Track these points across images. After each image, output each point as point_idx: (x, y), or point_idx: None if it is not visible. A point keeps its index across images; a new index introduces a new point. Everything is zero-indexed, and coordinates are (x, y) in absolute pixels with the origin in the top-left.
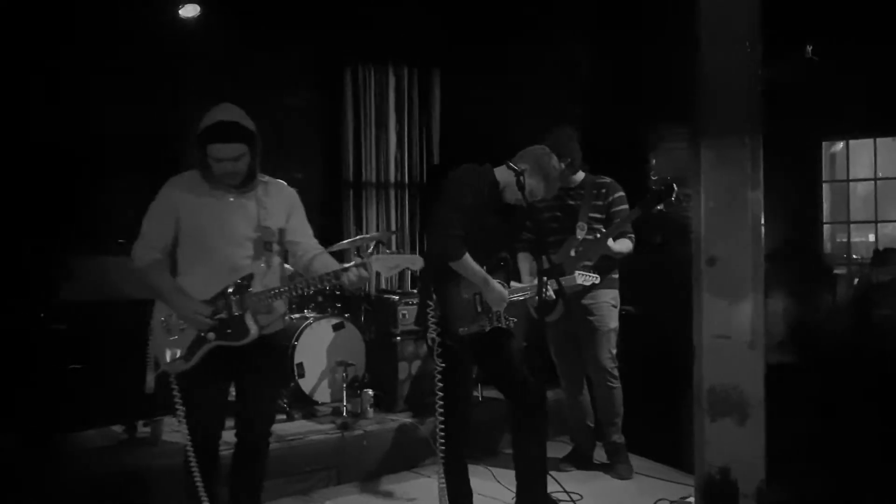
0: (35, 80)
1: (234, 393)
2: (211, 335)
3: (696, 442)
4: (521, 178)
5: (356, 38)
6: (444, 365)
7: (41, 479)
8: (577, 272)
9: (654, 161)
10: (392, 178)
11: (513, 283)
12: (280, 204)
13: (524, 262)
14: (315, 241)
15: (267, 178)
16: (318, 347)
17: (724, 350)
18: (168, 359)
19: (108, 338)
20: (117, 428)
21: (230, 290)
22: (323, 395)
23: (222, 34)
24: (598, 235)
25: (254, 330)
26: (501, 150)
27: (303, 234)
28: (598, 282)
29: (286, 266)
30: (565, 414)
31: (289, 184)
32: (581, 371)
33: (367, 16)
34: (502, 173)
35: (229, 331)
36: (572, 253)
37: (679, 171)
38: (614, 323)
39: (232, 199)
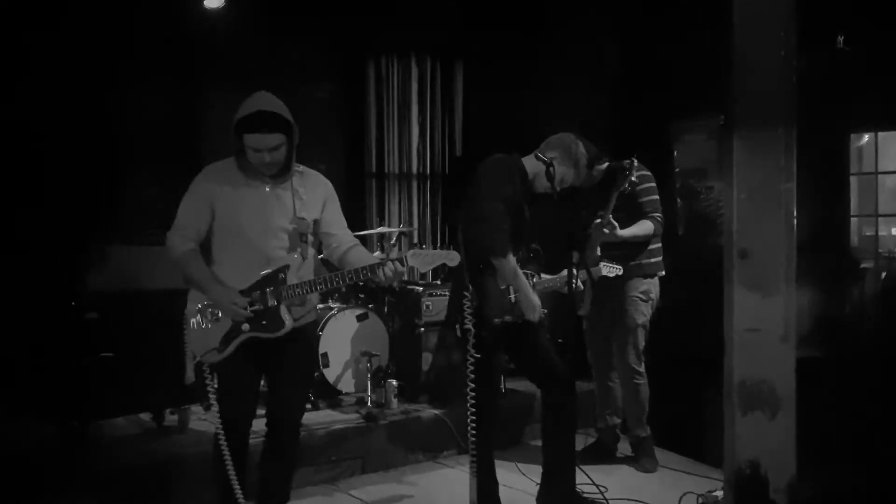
0: (67, 71)
1: (264, 383)
2: (246, 326)
3: (727, 436)
4: (551, 168)
5: (379, 28)
6: (479, 356)
7: (73, 467)
8: (601, 264)
9: (676, 153)
10: (414, 169)
11: (543, 275)
12: (316, 195)
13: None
14: (349, 233)
15: (302, 167)
16: (342, 338)
17: (756, 343)
18: (203, 349)
19: (139, 327)
20: (145, 416)
21: (265, 281)
22: (347, 386)
23: (245, 25)
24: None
25: (288, 322)
26: (525, 141)
27: (338, 226)
28: (620, 273)
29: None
30: (592, 404)
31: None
32: (609, 364)
33: (389, 6)
34: (531, 163)
35: (264, 322)
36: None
37: (703, 163)
38: (642, 318)
39: (268, 190)
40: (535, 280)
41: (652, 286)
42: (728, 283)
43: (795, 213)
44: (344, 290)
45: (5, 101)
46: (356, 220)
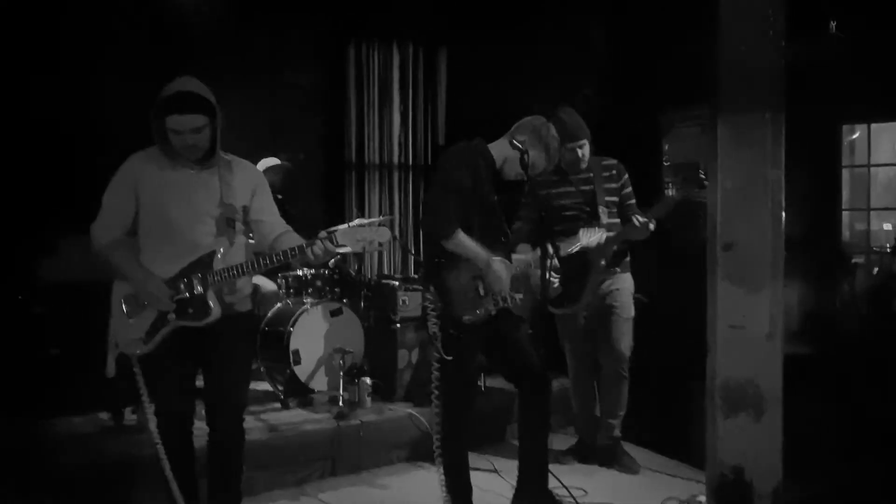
0: (28, 59)
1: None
2: (171, 315)
3: (709, 439)
4: (526, 155)
5: (359, 14)
6: (449, 358)
7: (25, 467)
8: (581, 231)
9: (667, 146)
10: (396, 160)
11: (514, 256)
12: (244, 182)
13: (523, 251)
14: (282, 220)
15: (232, 156)
16: (314, 334)
17: (740, 341)
18: (127, 340)
19: (90, 321)
20: (104, 415)
21: (192, 267)
22: (319, 384)
23: (222, 12)
24: (635, 219)
25: (216, 310)
26: (509, 129)
27: (268, 213)
28: (603, 240)
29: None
30: (570, 403)
31: (290, 164)
32: (593, 359)
33: None
34: (499, 148)
35: (191, 310)
36: (592, 239)
37: (692, 157)
38: (633, 311)
39: (193, 175)
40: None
41: (633, 281)
42: (711, 278)
43: (784, 204)
44: (319, 283)
45: None
46: (335, 212)
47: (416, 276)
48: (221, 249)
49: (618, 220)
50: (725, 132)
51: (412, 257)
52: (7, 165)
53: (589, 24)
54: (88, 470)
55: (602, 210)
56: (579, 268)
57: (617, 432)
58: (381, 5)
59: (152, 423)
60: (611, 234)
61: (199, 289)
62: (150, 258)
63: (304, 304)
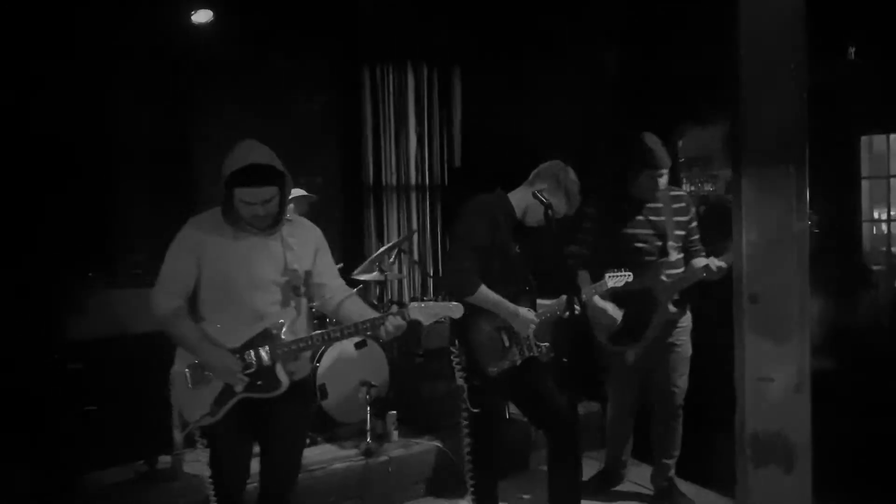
0: (42, 98)
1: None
2: (240, 387)
3: (739, 489)
4: (550, 210)
5: (373, 36)
6: (476, 411)
7: None
8: (607, 275)
9: (680, 143)
10: (413, 181)
11: (539, 302)
12: (306, 244)
13: (584, 280)
14: (341, 282)
15: (291, 215)
16: (340, 368)
17: (768, 394)
18: (194, 413)
19: (124, 376)
20: (139, 462)
21: (259, 339)
22: (346, 417)
23: (236, 38)
24: (710, 261)
25: (285, 381)
26: (525, 149)
27: (330, 276)
28: (630, 280)
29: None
30: (597, 426)
31: (308, 189)
32: (637, 399)
33: (382, 14)
34: (520, 198)
35: (260, 383)
36: (664, 277)
37: (704, 151)
38: (691, 349)
39: (257, 242)
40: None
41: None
42: (738, 329)
43: (808, 255)
44: None
45: None
46: (353, 233)
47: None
48: (288, 320)
49: (681, 257)
50: (749, 185)
51: (431, 279)
52: (39, 223)
53: (602, 41)
54: None
55: (672, 245)
56: (644, 305)
57: (672, 472)
58: (395, 28)
59: (195, 471)
60: (680, 272)
61: (268, 361)
62: (212, 327)
63: None
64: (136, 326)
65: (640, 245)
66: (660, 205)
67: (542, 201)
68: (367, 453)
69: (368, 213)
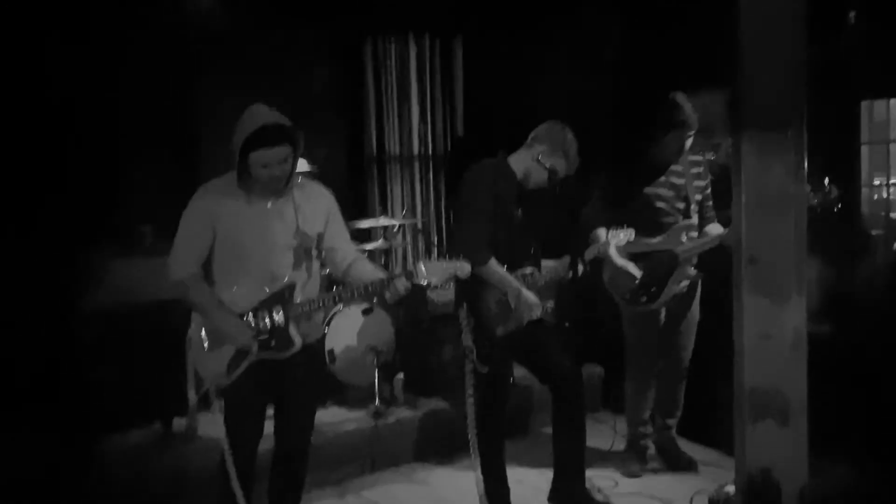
0: (52, 69)
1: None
2: (254, 348)
3: (737, 443)
4: (555, 175)
5: (375, 8)
6: (485, 371)
7: (84, 479)
8: (609, 233)
9: None
10: (416, 151)
11: (543, 263)
12: (318, 208)
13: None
14: (353, 246)
15: (302, 179)
16: (348, 333)
17: (766, 351)
18: (209, 375)
19: (140, 339)
20: (156, 424)
21: (272, 300)
22: (355, 381)
23: (239, 12)
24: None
25: (298, 341)
26: (528, 119)
27: (341, 239)
28: (631, 238)
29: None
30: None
31: (312, 161)
32: (655, 363)
33: None
34: (520, 161)
35: (273, 343)
36: (684, 238)
37: (708, 121)
38: (699, 314)
39: (270, 206)
40: (535, 277)
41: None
42: (737, 289)
43: (806, 218)
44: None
45: None
46: (358, 206)
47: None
48: (301, 282)
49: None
50: (749, 149)
51: (435, 249)
52: (52, 194)
53: (605, 8)
54: (144, 476)
55: (693, 208)
56: (661, 265)
57: (673, 433)
58: None
59: (209, 434)
60: (700, 236)
61: (281, 322)
62: (227, 290)
63: (336, 304)
64: (148, 294)
65: (661, 205)
66: (680, 168)
67: (545, 168)
68: (376, 415)
69: (372, 183)
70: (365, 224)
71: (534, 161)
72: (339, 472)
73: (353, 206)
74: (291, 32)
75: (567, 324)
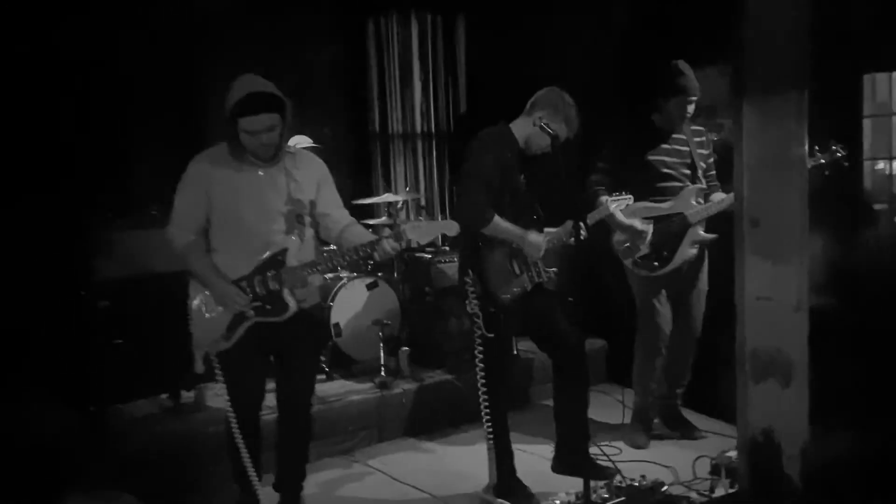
0: (62, 53)
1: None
2: (250, 312)
3: (739, 404)
4: (557, 139)
5: None
6: (491, 335)
7: (92, 451)
8: (609, 199)
9: None
10: (419, 129)
11: (546, 230)
12: (310, 175)
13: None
14: (346, 212)
15: (293, 148)
16: (353, 307)
17: (768, 312)
18: (209, 339)
19: (151, 310)
20: (163, 395)
21: (266, 265)
22: (360, 355)
23: None
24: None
25: (292, 305)
26: (531, 96)
27: (333, 206)
28: (630, 202)
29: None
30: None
31: (316, 139)
32: (666, 332)
33: None
34: (521, 128)
35: (268, 307)
36: (693, 201)
37: (712, 100)
38: (707, 285)
39: (261, 173)
40: None
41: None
42: (739, 252)
43: (808, 179)
44: (354, 257)
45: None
46: (362, 183)
47: (446, 248)
48: (293, 246)
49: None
50: (751, 110)
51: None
52: (66, 167)
53: None
54: (153, 447)
55: (700, 175)
56: (671, 229)
57: (679, 401)
58: None
59: (217, 405)
60: (711, 202)
61: (275, 286)
62: (224, 256)
63: (341, 278)
64: (157, 265)
65: (666, 171)
66: (683, 136)
67: (549, 133)
68: (382, 386)
69: (376, 161)
70: (368, 201)
71: (535, 127)
72: (347, 441)
73: (357, 183)
74: (295, 10)
75: (571, 299)
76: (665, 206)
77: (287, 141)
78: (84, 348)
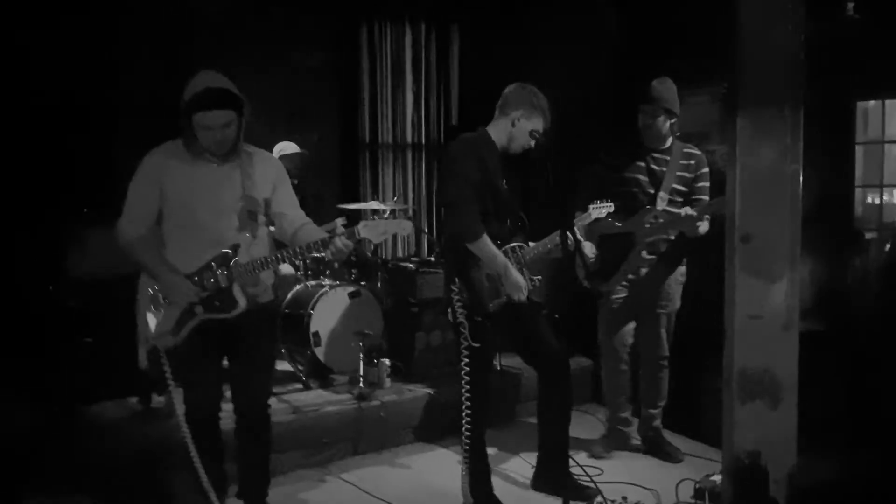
0: (42, 43)
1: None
2: (199, 308)
3: (725, 424)
4: (537, 134)
5: None
6: (477, 344)
7: (58, 453)
8: (591, 206)
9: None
10: (409, 139)
11: (530, 244)
12: (265, 174)
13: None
14: (302, 213)
15: (252, 148)
16: (333, 316)
17: (757, 331)
18: (156, 334)
19: (120, 310)
20: (133, 399)
21: (216, 261)
22: (339, 365)
23: None
24: (684, 210)
25: (242, 302)
26: None
27: (289, 206)
28: (612, 210)
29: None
30: (591, 383)
31: (304, 145)
32: (626, 348)
33: None
34: (500, 130)
35: (217, 303)
36: (647, 224)
37: (704, 126)
38: (679, 302)
39: (216, 169)
40: (523, 251)
41: (685, 271)
42: (730, 268)
43: (801, 197)
44: (337, 266)
45: None
46: (350, 191)
47: (431, 259)
48: (245, 243)
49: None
50: (744, 126)
51: (425, 237)
52: (36, 163)
53: (602, 2)
54: (119, 452)
55: (662, 196)
56: (619, 248)
57: (657, 423)
58: None
59: (180, 411)
60: (659, 220)
61: (225, 282)
62: (175, 251)
63: (323, 286)
64: (132, 265)
65: (634, 190)
66: (667, 157)
67: (526, 129)
68: (360, 398)
69: (364, 169)
70: (354, 206)
71: (513, 126)
72: (321, 453)
73: (345, 190)
74: (289, 17)
75: (557, 315)
76: (620, 226)
77: (242, 140)
78: (51, 345)
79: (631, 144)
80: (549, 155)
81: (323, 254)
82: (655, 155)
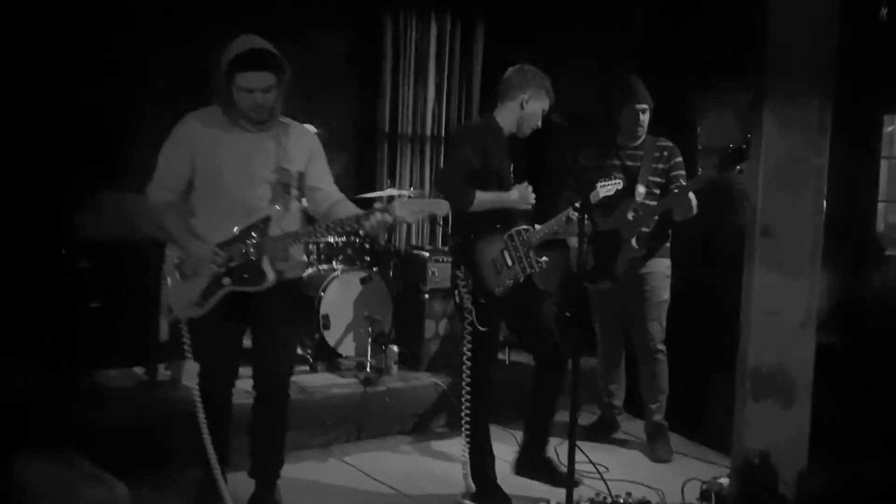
0: (57, 13)
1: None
2: (226, 280)
3: (736, 422)
4: (546, 112)
5: None
6: (484, 328)
7: (61, 418)
8: (598, 184)
9: (700, 129)
10: (428, 131)
11: (537, 226)
12: (301, 147)
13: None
14: (336, 188)
15: (288, 120)
16: (344, 300)
17: (774, 328)
18: (181, 304)
19: (132, 277)
20: (138, 370)
21: (246, 232)
22: (347, 349)
23: None
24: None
25: (271, 275)
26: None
27: (323, 181)
28: (620, 187)
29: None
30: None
31: (323, 131)
32: (619, 340)
33: None
34: (508, 114)
35: (246, 276)
36: (630, 216)
37: (725, 140)
38: (667, 294)
39: (250, 138)
40: (529, 233)
41: (670, 265)
42: (748, 262)
43: (825, 192)
44: (350, 251)
45: None
46: (367, 179)
47: (445, 248)
48: (277, 216)
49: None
50: (771, 117)
51: (440, 228)
52: (50, 124)
53: (627, 3)
54: (121, 419)
55: (640, 188)
56: (611, 243)
57: (657, 417)
58: None
59: (193, 384)
60: (649, 203)
61: (255, 255)
62: (204, 221)
63: (334, 270)
64: (142, 231)
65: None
66: (640, 152)
67: (536, 111)
68: (366, 383)
69: (382, 159)
70: (372, 194)
71: (522, 109)
72: (324, 436)
73: (362, 177)
74: (312, 1)
75: (567, 313)
76: (603, 222)
77: (280, 108)
78: (59, 308)
79: (605, 143)
80: (570, 136)
81: (358, 229)
82: (629, 151)
